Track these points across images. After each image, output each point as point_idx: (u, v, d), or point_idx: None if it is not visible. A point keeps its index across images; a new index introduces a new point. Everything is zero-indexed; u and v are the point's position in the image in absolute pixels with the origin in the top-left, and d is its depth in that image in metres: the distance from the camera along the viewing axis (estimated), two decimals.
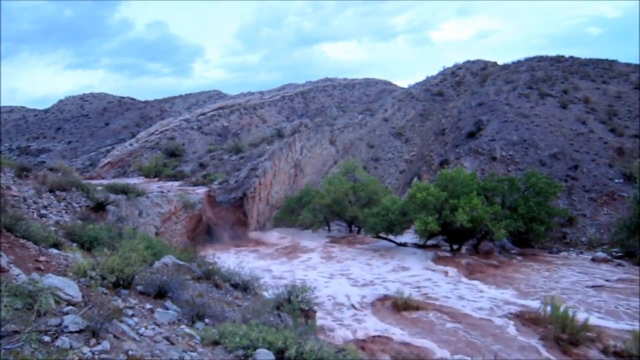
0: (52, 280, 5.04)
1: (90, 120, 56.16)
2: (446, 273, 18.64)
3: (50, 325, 4.14)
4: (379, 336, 11.72)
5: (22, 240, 7.21)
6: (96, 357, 3.95)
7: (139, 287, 6.76)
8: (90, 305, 5.02)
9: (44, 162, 39.59)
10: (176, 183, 31.64)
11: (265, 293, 10.21)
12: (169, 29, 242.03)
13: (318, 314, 11.42)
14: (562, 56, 47.41)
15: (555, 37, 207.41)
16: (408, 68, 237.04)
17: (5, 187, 12.69)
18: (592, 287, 16.57)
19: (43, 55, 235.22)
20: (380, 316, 13.50)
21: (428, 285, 17.13)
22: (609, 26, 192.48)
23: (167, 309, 6.25)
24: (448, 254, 21.91)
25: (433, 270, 19.36)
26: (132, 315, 5.47)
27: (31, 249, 6.98)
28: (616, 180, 25.49)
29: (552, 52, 53.85)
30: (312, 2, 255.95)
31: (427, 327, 12.56)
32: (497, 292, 16.00)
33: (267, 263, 21.09)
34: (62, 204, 14.25)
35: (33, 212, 11.80)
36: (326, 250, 23.88)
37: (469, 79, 51.38)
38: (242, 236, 27.48)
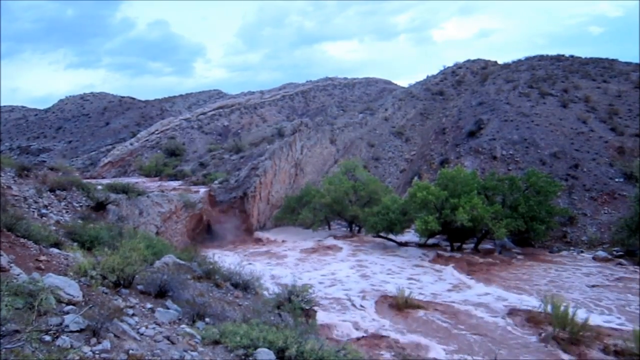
0: (52, 279, 5.05)
1: (90, 119, 56.19)
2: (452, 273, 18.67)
3: (50, 325, 4.14)
4: (379, 335, 11.72)
5: (22, 240, 7.21)
6: (97, 356, 3.95)
7: (140, 287, 6.77)
8: (90, 305, 5.03)
9: (45, 161, 39.60)
10: (176, 182, 31.66)
11: (265, 292, 10.22)
12: (171, 28, 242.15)
13: (320, 314, 11.42)
14: (563, 55, 47.34)
15: (557, 36, 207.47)
16: (409, 67, 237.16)
17: (5, 187, 12.70)
18: (593, 286, 16.57)
19: (44, 54, 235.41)
20: (381, 315, 13.51)
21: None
22: (610, 25, 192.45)
23: (168, 308, 6.26)
24: (448, 253, 21.92)
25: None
26: (133, 315, 5.48)
27: (32, 249, 6.99)
28: (617, 179, 25.47)
29: (553, 51, 53.84)
30: (313, 1, 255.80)
31: (427, 326, 12.56)
32: (497, 291, 15.99)
33: (280, 272, 18.83)
34: (63, 203, 14.27)
35: (33, 211, 11.82)
36: (354, 256, 22.13)
37: (470, 78, 51.34)
38: (244, 236, 27.48)
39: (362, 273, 18.92)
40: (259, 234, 28.01)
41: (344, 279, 18.02)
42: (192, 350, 4.89)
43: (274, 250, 23.90)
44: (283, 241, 26.13)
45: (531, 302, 14.26)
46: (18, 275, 5.23)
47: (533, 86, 37.30)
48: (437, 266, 19.86)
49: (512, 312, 13.59)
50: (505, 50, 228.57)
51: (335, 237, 27.00)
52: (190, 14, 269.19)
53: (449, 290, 16.35)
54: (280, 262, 21.18)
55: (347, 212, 27.61)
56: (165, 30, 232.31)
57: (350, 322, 12.80)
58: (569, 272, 18.56)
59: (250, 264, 18.28)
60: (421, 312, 13.64)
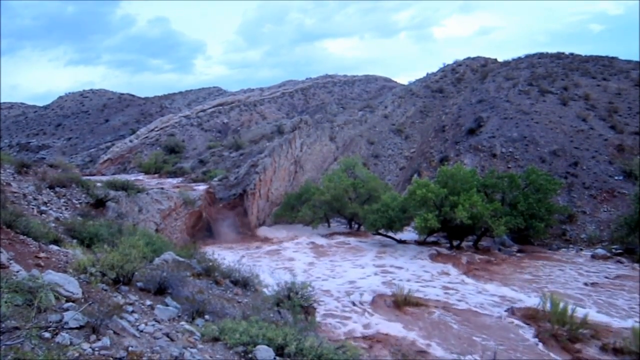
0: (52, 276, 5.04)
1: (90, 116, 56.12)
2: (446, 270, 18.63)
3: (50, 322, 4.14)
4: (378, 332, 11.73)
5: (22, 237, 7.21)
6: (96, 353, 3.96)
7: (139, 284, 6.77)
8: (90, 302, 5.03)
9: (44, 158, 39.55)
10: (176, 179, 31.64)
11: (265, 290, 10.23)
12: (171, 25, 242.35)
13: (318, 312, 11.43)
14: (563, 53, 47.33)
15: (557, 34, 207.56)
16: (409, 65, 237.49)
17: (5, 184, 12.69)
18: (592, 283, 16.59)
19: (44, 51, 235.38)
20: (380, 312, 13.52)
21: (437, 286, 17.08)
22: (610, 23, 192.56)
23: (167, 305, 6.26)
24: (448, 251, 21.92)
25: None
26: (132, 312, 5.48)
27: (31, 246, 6.99)
28: (616, 177, 25.49)
29: (553, 49, 53.83)
30: None
31: (426, 324, 12.57)
32: (496, 288, 16.01)
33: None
34: (62, 200, 14.26)
35: (33, 208, 11.81)
36: (378, 259, 20.47)
37: (469, 75, 51.29)
38: (243, 233, 27.46)
39: (386, 280, 17.02)
40: (259, 231, 27.99)
41: (365, 286, 16.09)
42: (191, 347, 4.89)
43: (281, 252, 22.71)
44: (289, 239, 25.48)
45: (530, 300, 14.28)
46: (17, 272, 5.23)
47: (533, 84, 37.28)
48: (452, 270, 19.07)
49: (511, 309, 13.61)
50: (505, 47, 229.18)
51: (340, 234, 26.86)
52: (191, 11, 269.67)
53: (496, 305, 14.30)
54: (290, 267, 19.31)
55: (347, 210, 27.61)
56: (166, 27, 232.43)
57: (350, 321, 12.81)
58: (568, 269, 18.58)
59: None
60: (421, 310, 13.65)
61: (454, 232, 22.44)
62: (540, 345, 11.02)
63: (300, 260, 20.84)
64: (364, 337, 11.33)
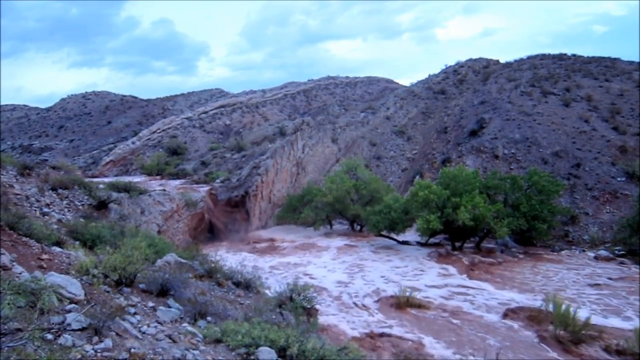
0: (54, 278, 5.06)
1: (92, 118, 56.24)
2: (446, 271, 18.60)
3: (53, 323, 4.15)
4: (381, 334, 11.72)
5: (24, 239, 7.23)
6: (99, 354, 3.96)
7: (141, 285, 6.78)
8: (92, 303, 5.04)
9: (46, 160, 39.62)
10: (178, 181, 31.67)
11: (267, 291, 10.22)
12: (175, 27, 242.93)
13: (321, 312, 11.42)
14: (565, 54, 47.24)
15: (560, 35, 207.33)
16: (412, 66, 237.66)
17: (7, 186, 12.72)
18: (594, 285, 16.54)
19: (48, 53, 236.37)
20: (383, 314, 13.50)
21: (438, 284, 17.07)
22: (613, 24, 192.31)
23: (170, 307, 6.27)
24: (450, 252, 21.87)
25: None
26: (135, 313, 5.49)
27: (34, 247, 7.01)
28: (619, 179, 25.40)
29: (557, 50, 53.85)
30: (317, 0, 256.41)
31: (428, 325, 12.55)
32: (498, 290, 15.98)
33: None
34: (65, 202, 14.29)
35: (35, 210, 11.84)
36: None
37: (471, 77, 51.28)
38: (245, 234, 27.48)
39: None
40: (261, 233, 27.99)
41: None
42: (193, 349, 4.89)
43: (291, 261, 21.19)
44: (302, 254, 22.83)
45: (533, 301, 14.24)
46: (20, 273, 5.24)
47: (535, 85, 37.21)
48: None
49: (514, 310, 13.57)
50: (508, 49, 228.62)
51: (347, 237, 26.76)
52: (195, 13, 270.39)
53: (498, 306, 13.86)
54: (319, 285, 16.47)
55: (349, 211, 27.61)
56: (170, 29, 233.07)
57: (351, 322, 12.80)
58: (570, 271, 18.52)
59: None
60: (422, 312, 13.64)
61: (456, 234, 22.40)
62: (543, 347, 10.99)
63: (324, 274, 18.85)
64: (366, 338, 11.32)
